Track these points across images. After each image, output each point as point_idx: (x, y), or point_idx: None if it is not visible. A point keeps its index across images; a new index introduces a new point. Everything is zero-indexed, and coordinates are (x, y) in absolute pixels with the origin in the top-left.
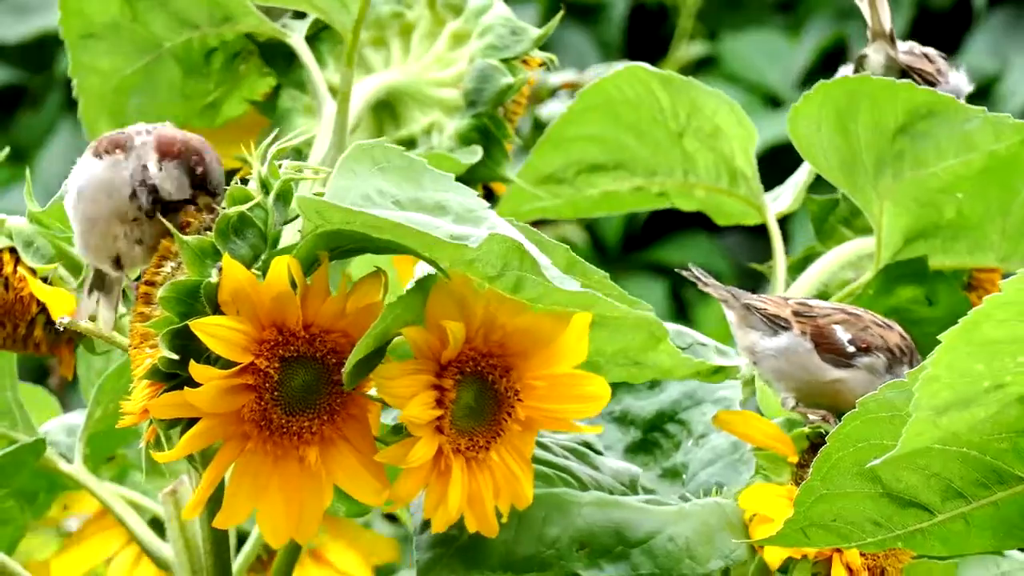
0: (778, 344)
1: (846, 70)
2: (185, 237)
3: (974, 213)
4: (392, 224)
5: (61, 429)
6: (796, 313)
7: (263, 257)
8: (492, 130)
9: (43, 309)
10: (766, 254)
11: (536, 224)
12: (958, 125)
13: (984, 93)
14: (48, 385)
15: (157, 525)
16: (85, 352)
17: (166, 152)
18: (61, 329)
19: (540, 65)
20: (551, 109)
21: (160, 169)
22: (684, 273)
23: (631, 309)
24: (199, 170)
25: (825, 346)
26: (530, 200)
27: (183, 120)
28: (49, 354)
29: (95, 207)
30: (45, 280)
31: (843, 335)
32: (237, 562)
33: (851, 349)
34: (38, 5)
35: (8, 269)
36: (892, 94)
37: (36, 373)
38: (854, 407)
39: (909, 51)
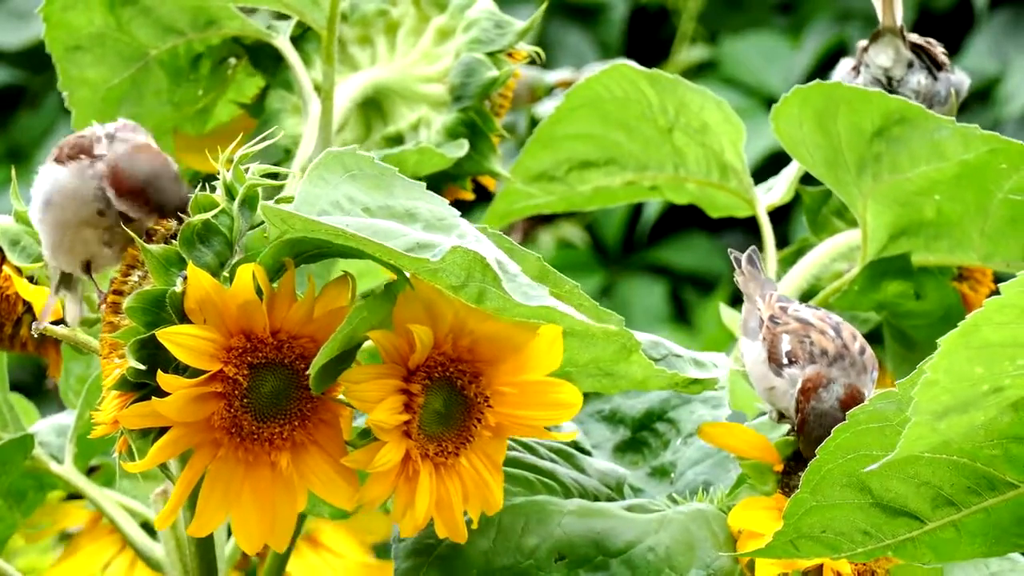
0: (752, 353)
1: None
2: (150, 246)
3: (953, 213)
4: (353, 235)
5: (51, 430)
6: (771, 318)
7: (230, 263)
8: (479, 124)
9: (29, 308)
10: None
11: (535, 224)
12: (928, 134)
13: (985, 95)
14: (45, 386)
15: (147, 530)
16: (65, 356)
17: (119, 189)
18: (36, 334)
19: (526, 59)
20: (548, 108)
21: (121, 205)
22: (732, 255)
23: (595, 322)
24: (154, 200)
25: (772, 354)
26: (524, 198)
27: (174, 127)
28: (36, 354)
29: (64, 213)
30: (31, 279)
31: (785, 346)
32: (224, 558)
33: (784, 361)
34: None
35: None
36: (866, 100)
37: (35, 373)
38: (785, 413)
39: (920, 37)
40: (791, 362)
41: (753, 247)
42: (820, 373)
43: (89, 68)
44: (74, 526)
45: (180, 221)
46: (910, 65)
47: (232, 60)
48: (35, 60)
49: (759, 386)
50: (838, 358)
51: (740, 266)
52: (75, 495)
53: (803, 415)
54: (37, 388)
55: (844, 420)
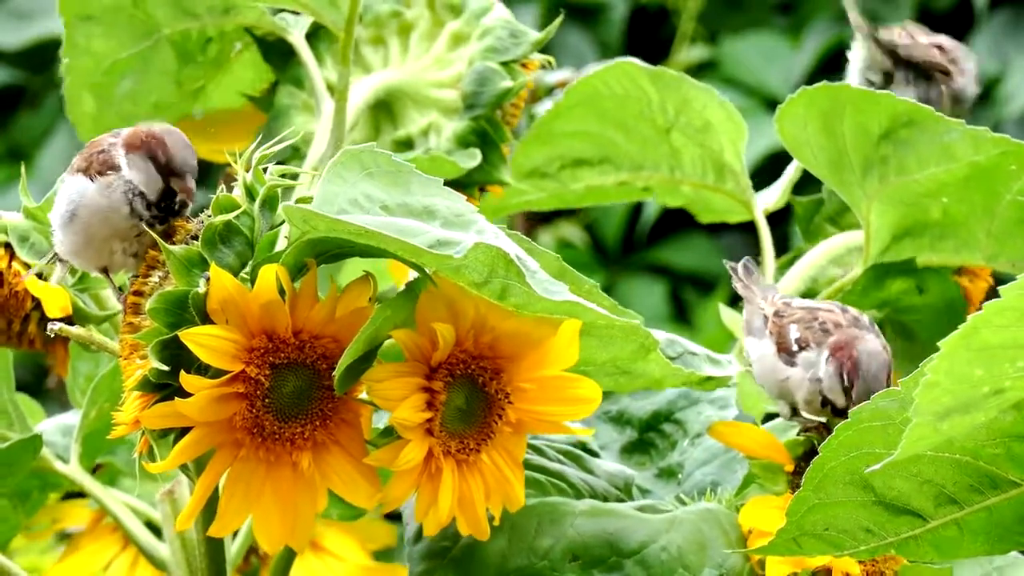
0: (758, 350)
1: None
2: (171, 247)
3: (960, 214)
4: (376, 233)
5: (56, 429)
6: (776, 313)
7: (251, 264)
8: (490, 133)
9: (38, 305)
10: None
11: (535, 224)
12: (938, 136)
13: (985, 94)
14: (46, 385)
15: (151, 530)
16: (73, 355)
17: (131, 146)
18: (52, 335)
19: (538, 68)
20: (548, 108)
21: (129, 166)
22: (727, 265)
23: (617, 318)
24: (161, 156)
25: (781, 345)
26: (515, 194)
27: (174, 104)
28: (44, 351)
29: (91, 228)
30: (40, 276)
31: (794, 334)
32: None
33: (795, 348)
34: (40, 11)
35: (3, 265)
36: (873, 102)
37: (35, 372)
38: (802, 403)
39: (914, 41)
40: (802, 348)
41: (747, 257)
42: (844, 336)
43: (97, 39)
44: (76, 525)
45: (198, 219)
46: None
47: (237, 46)
48: (35, 60)
49: (770, 380)
50: (854, 322)
51: (737, 273)
52: (76, 493)
53: (852, 361)
54: (38, 387)
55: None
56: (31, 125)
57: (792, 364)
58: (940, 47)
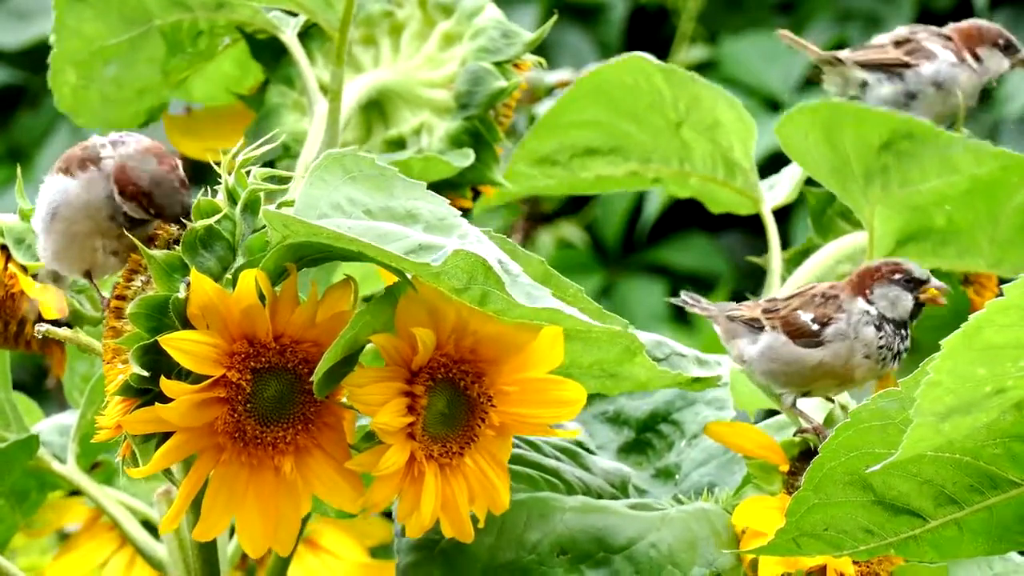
0: (759, 346)
1: None
2: (153, 252)
3: (964, 221)
4: (355, 239)
5: (53, 429)
6: (765, 311)
7: (232, 268)
8: (483, 133)
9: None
10: (765, 254)
11: (535, 224)
12: (939, 150)
13: (985, 94)
14: (45, 386)
15: (148, 528)
16: (70, 355)
17: (123, 191)
18: (39, 336)
19: (531, 68)
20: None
21: (122, 205)
22: (675, 301)
23: (599, 323)
24: (152, 211)
25: (795, 332)
26: (526, 179)
27: (157, 91)
28: (40, 352)
29: (72, 226)
30: (35, 277)
31: (806, 315)
32: (225, 559)
33: (815, 327)
34: (40, 11)
35: None
36: (872, 116)
37: (34, 372)
38: (850, 379)
39: (863, 48)
40: (824, 324)
41: (685, 292)
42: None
43: (88, 22)
44: (73, 523)
45: (182, 226)
46: (864, 84)
47: (226, 40)
48: (35, 60)
49: (792, 369)
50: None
51: (690, 302)
52: (76, 493)
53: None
54: (36, 388)
55: None
56: (31, 125)
57: (818, 344)
58: (900, 41)
